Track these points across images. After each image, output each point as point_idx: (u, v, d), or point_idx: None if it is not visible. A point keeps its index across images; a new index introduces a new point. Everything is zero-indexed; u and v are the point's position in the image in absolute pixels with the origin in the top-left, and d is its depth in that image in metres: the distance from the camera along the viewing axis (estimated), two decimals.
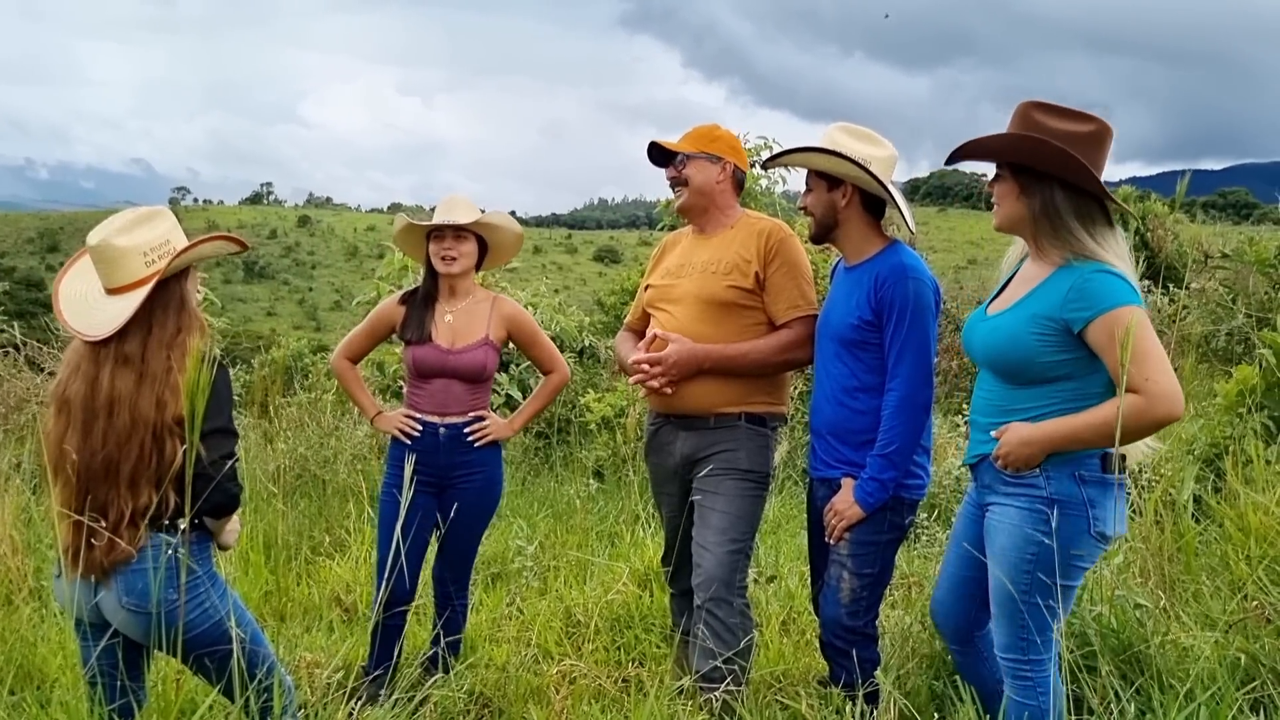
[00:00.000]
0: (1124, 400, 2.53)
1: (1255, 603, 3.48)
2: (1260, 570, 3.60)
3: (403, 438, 3.79)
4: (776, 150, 5.96)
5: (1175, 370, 2.61)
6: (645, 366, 3.39)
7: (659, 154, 3.63)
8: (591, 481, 6.59)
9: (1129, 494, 4.34)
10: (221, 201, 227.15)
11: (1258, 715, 2.87)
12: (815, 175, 3.28)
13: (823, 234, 3.33)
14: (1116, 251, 2.70)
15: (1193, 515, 4.37)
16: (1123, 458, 2.67)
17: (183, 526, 2.69)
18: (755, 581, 4.90)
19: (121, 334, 2.66)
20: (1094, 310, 2.58)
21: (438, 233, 3.79)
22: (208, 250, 2.82)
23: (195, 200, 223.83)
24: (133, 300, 2.65)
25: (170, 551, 2.63)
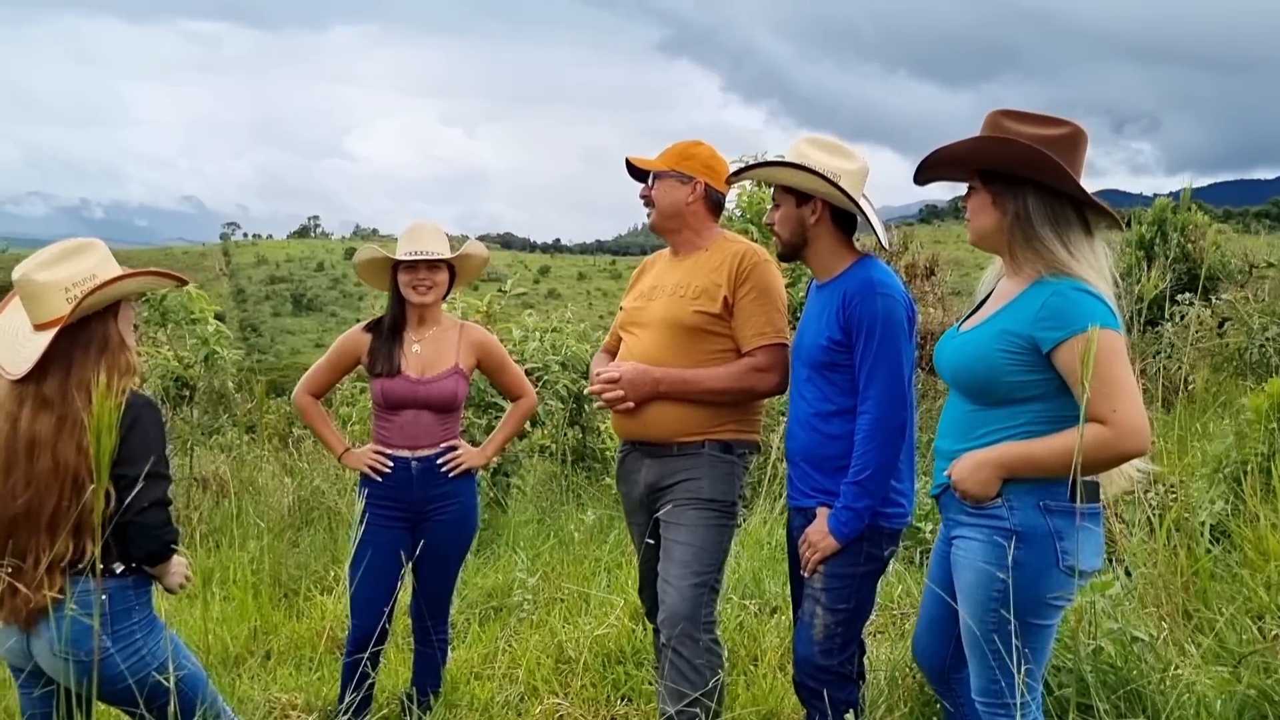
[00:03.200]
0: (1091, 430, 2.35)
1: (1275, 634, 3.26)
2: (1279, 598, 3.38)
3: (374, 475, 3.67)
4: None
5: (1193, 384, 2.43)
6: (600, 386, 3.28)
7: (638, 170, 3.49)
8: (591, 513, 6.43)
9: (1141, 517, 4.12)
10: (271, 235, 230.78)
11: None
12: (783, 191, 3.12)
13: (791, 253, 3.17)
14: (1093, 265, 2.52)
15: (1212, 538, 4.13)
16: (1096, 486, 2.48)
17: (119, 569, 2.60)
18: (755, 614, 4.72)
19: (42, 374, 2.56)
20: (1065, 331, 2.40)
21: (410, 263, 3.67)
22: (131, 287, 2.70)
23: (245, 235, 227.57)
24: (46, 338, 2.55)
25: (97, 597, 2.52)
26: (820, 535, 2.95)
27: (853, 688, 3.03)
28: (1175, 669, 2.99)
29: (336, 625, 4.92)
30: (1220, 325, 9.88)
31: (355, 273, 3.88)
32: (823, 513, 2.98)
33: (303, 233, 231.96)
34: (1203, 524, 4.00)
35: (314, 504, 7.46)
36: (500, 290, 8.18)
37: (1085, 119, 2.68)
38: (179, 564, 2.76)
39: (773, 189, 3.17)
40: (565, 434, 8.54)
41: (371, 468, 3.65)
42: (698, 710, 3.05)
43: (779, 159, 3.10)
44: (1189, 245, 12.92)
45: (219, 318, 8.23)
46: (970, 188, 2.68)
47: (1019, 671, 2.37)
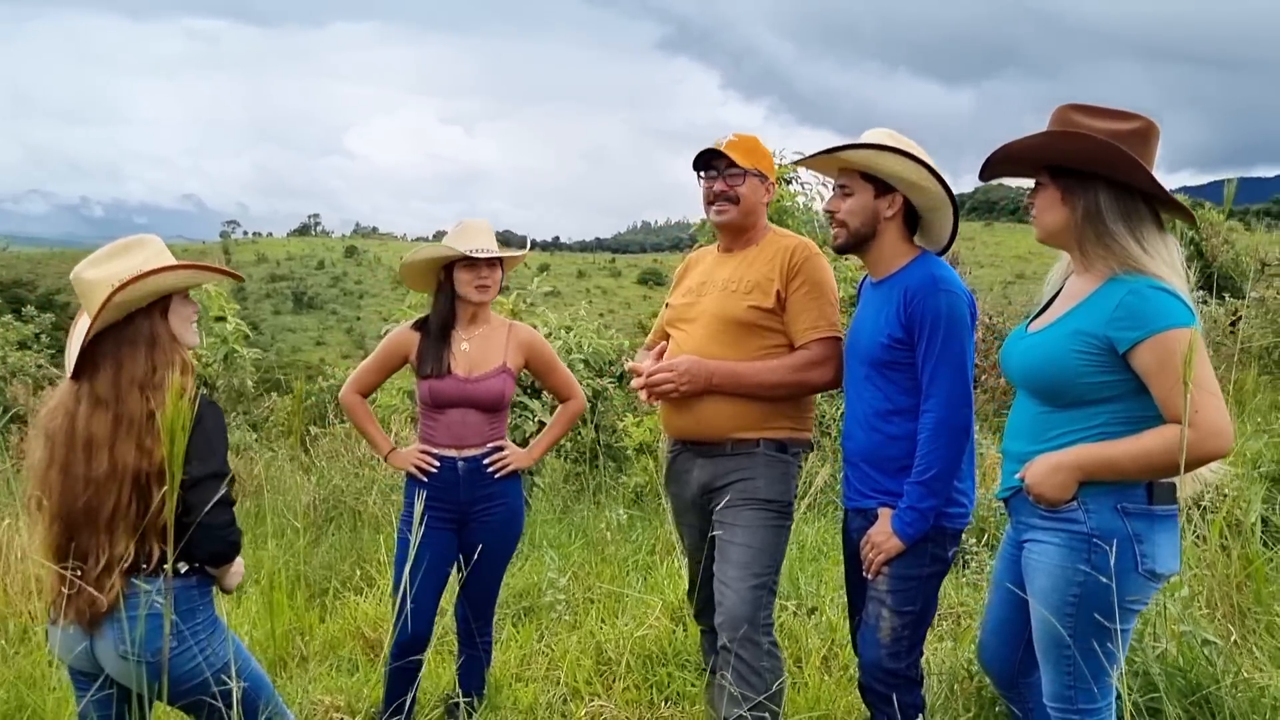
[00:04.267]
0: (1172, 431, 2.30)
1: None
2: None
3: (419, 475, 3.62)
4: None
5: (1237, 384, 2.38)
6: (647, 377, 3.22)
7: (702, 160, 3.36)
8: (623, 511, 6.38)
9: (1191, 520, 4.08)
10: (271, 234, 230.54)
11: None
12: (862, 179, 2.99)
13: (855, 244, 3.04)
14: (1167, 260, 2.47)
15: (1261, 539, 4.09)
16: (1173, 488, 2.42)
17: (183, 569, 2.56)
18: (794, 614, 4.67)
19: (94, 372, 2.53)
20: (1143, 331, 2.34)
21: (470, 261, 3.63)
22: (168, 281, 2.62)
23: (245, 233, 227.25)
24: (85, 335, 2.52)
25: (166, 598, 2.48)
26: (884, 536, 2.90)
27: (919, 691, 2.98)
28: (1242, 672, 2.94)
29: (368, 626, 4.89)
30: (1232, 324, 9.83)
31: (400, 273, 3.78)
32: (885, 514, 2.93)
33: (303, 231, 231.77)
34: (1253, 524, 3.96)
35: (335, 503, 7.42)
36: (523, 288, 8.16)
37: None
38: (237, 564, 2.72)
39: (836, 176, 3.06)
40: (583, 433, 8.52)
41: (418, 467, 3.61)
42: (765, 715, 3.00)
43: (880, 144, 2.97)
44: (1203, 243, 12.87)
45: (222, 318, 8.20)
46: (1038, 184, 2.63)
47: (1114, 675, 2.33)
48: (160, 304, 2.64)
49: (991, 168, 2.70)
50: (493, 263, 3.62)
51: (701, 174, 3.36)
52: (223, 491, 2.51)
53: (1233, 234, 13.46)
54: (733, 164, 3.28)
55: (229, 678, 2.53)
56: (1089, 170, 2.50)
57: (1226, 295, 10.51)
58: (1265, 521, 4.22)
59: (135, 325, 2.60)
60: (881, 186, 2.97)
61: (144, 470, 2.50)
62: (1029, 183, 2.69)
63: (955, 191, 2.98)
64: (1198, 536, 3.96)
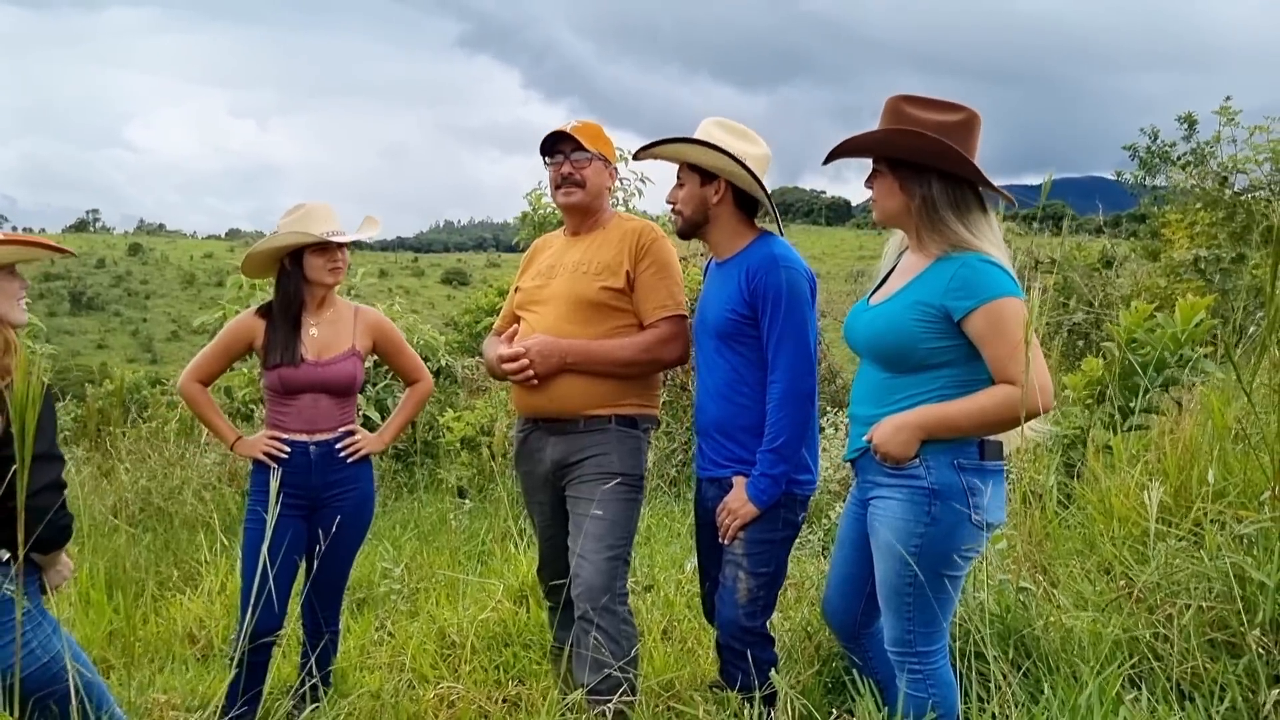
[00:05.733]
0: (1002, 391, 2.54)
1: (1122, 581, 3.58)
2: (1125, 550, 3.71)
3: (270, 462, 3.53)
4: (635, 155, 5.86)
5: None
6: (512, 362, 3.28)
7: (548, 144, 3.45)
8: (466, 501, 6.38)
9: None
10: (44, 229, 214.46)
11: (1139, 689, 2.92)
12: (688, 169, 3.18)
13: (691, 230, 3.24)
14: (992, 240, 2.71)
15: (1058, 499, 4.49)
16: (1000, 445, 2.67)
17: (3, 558, 2.42)
18: (633, 591, 4.80)
19: None
20: (976, 300, 2.57)
21: (324, 245, 3.55)
22: None
23: (15, 228, 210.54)
24: None
25: (18, 586, 2.35)
26: (740, 503, 3.05)
27: (772, 649, 3.15)
28: (1051, 618, 3.23)
29: (196, 625, 4.73)
30: None
31: (244, 261, 3.64)
32: (739, 482, 3.08)
33: (81, 226, 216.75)
34: (1050, 488, 4.34)
35: (143, 504, 7.10)
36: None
37: (870, 124, 2.88)
38: (66, 560, 2.61)
39: (677, 167, 3.22)
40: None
41: (267, 454, 3.52)
42: (629, 677, 3.09)
43: (688, 137, 3.15)
44: None
45: None
46: (876, 170, 2.83)
47: (951, 618, 2.53)
48: None
49: (835, 156, 2.89)
50: (342, 245, 3.58)
51: (547, 159, 3.45)
52: (53, 474, 2.41)
53: (1010, 235, 14.54)
54: (579, 147, 3.39)
55: (63, 671, 2.42)
56: (924, 164, 2.71)
57: None
58: (1061, 484, 4.63)
59: None
60: (705, 175, 3.14)
61: None
62: (820, 184, 2.89)
63: None
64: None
